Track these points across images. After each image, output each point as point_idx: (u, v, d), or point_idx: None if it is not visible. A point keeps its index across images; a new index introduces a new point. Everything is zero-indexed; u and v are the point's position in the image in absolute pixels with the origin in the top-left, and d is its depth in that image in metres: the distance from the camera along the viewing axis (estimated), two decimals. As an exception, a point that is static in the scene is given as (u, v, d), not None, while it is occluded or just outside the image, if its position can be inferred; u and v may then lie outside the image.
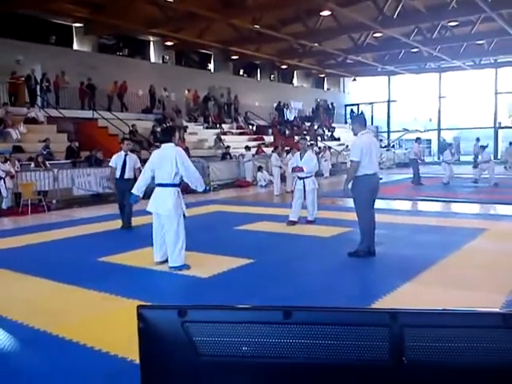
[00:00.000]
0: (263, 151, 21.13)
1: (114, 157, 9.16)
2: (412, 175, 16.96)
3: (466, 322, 1.40)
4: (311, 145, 22.80)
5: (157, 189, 6.11)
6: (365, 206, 6.30)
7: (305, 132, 27.58)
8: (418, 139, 18.53)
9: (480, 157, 16.83)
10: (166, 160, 6.02)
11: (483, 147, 18.18)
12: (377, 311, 1.49)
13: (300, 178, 9.04)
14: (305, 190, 8.96)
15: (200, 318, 1.56)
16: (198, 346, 1.55)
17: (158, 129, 19.29)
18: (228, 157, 19.40)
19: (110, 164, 9.19)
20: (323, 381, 1.51)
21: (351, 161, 6.28)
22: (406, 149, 31.62)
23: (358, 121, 6.63)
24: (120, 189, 8.98)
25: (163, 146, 6.33)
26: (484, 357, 1.39)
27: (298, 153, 9.35)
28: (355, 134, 6.48)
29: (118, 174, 8.98)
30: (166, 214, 5.98)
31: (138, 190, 6.41)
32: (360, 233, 6.42)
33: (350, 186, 6.30)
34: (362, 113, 32.03)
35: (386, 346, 1.43)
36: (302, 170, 8.92)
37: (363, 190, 6.20)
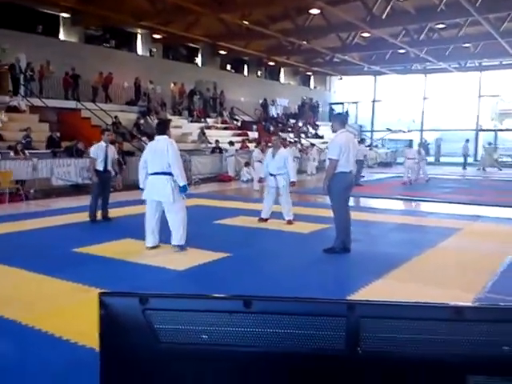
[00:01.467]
0: (247, 146, 21.15)
1: (94, 147, 9.04)
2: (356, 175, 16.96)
3: (421, 314, 1.43)
4: (295, 142, 22.88)
5: (152, 177, 6.49)
6: (340, 202, 6.37)
7: (289, 129, 27.65)
8: (362, 140, 19.18)
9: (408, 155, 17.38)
10: (160, 151, 6.38)
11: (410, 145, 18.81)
12: (335, 302, 1.52)
13: (271, 175, 8.71)
14: (278, 187, 8.64)
15: (161, 306, 1.57)
16: (158, 334, 1.55)
17: (142, 121, 19.19)
18: (218, 151, 19.33)
19: (91, 155, 9.06)
20: (281, 369, 1.54)
21: (330, 159, 6.31)
22: (388, 148, 31.89)
23: (339, 119, 6.69)
24: (101, 180, 8.92)
25: (157, 138, 6.71)
26: (438, 349, 1.41)
27: (271, 149, 8.96)
28: (334, 132, 6.55)
29: (100, 166, 8.90)
30: (169, 201, 6.40)
31: (143, 183, 6.73)
32: (335, 229, 6.49)
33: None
34: (346, 112, 32.23)
35: (343, 336, 1.46)
36: (294, 183, 8.71)
37: (338, 188, 6.27)
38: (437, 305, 1.47)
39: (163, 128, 6.81)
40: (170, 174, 6.39)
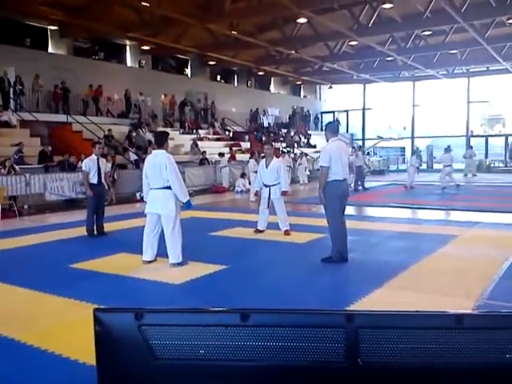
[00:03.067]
0: (235, 158, 21.11)
1: (86, 161, 9.04)
2: (355, 182, 17.45)
3: (420, 324, 1.41)
4: (288, 152, 22.88)
5: (154, 192, 6.46)
6: (334, 211, 6.33)
7: (281, 138, 27.69)
8: (360, 147, 19.75)
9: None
10: (158, 166, 6.35)
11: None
12: (333, 313, 1.49)
13: (266, 186, 8.62)
14: (270, 198, 8.52)
15: (157, 321, 1.54)
16: (154, 350, 1.53)
17: (134, 134, 19.15)
18: (206, 162, 19.33)
19: (84, 168, 9.04)
20: (280, 382, 1.51)
21: (320, 166, 6.34)
22: (381, 156, 31.96)
23: (330, 128, 6.68)
24: (96, 194, 8.88)
25: (154, 152, 6.70)
26: (438, 357, 1.39)
27: (264, 160, 8.88)
28: (327, 140, 6.55)
29: (94, 179, 8.87)
30: (170, 215, 6.35)
31: (145, 196, 6.73)
32: (330, 239, 6.46)
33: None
34: (337, 120, 32.37)
35: (342, 348, 1.44)
36: (285, 193, 8.62)
37: (332, 196, 6.24)
38: (436, 313, 1.46)
39: (161, 141, 6.72)
40: (171, 188, 6.37)
